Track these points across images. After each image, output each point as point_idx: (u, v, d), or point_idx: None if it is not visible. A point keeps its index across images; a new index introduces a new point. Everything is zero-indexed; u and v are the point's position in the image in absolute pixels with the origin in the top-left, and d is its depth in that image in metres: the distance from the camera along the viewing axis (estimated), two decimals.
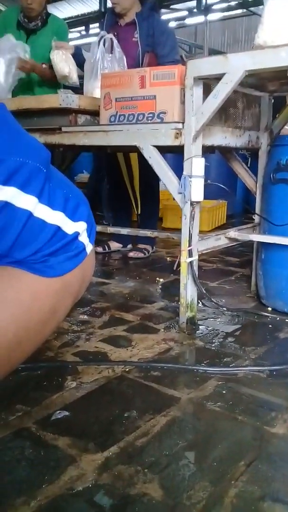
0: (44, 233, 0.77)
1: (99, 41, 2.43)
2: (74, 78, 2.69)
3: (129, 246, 3.40)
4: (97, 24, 11.65)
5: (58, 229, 0.78)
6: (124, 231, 2.42)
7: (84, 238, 0.84)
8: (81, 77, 2.68)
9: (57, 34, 2.94)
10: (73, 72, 2.68)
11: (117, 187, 3.32)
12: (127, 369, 1.52)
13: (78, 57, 2.79)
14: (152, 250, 3.29)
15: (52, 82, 2.95)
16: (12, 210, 0.73)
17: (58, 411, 1.26)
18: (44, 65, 2.94)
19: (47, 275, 0.78)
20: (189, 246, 1.82)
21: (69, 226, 0.80)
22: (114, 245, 3.39)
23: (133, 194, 3.32)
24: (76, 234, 0.82)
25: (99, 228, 2.38)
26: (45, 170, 0.77)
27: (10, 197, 0.72)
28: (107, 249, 3.37)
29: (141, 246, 3.25)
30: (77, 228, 0.82)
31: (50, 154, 0.80)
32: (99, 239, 3.27)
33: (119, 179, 3.28)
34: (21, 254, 0.76)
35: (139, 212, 3.35)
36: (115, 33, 2.58)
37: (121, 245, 3.41)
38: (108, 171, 3.37)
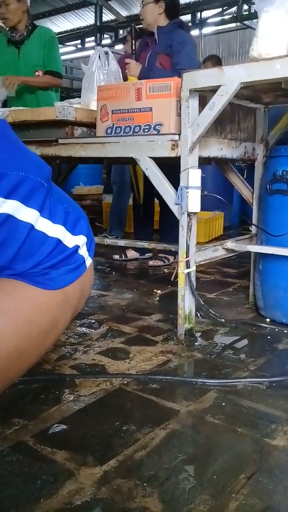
0: (45, 246, 0.78)
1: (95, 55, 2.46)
2: None
3: (147, 254, 3.39)
4: (92, 38, 11.74)
5: (59, 242, 0.79)
6: (122, 242, 2.42)
7: (83, 252, 0.85)
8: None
9: (45, 41, 3.18)
10: None
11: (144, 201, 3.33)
12: (125, 382, 1.51)
13: None
14: (174, 259, 3.22)
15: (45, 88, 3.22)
16: (14, 223, 0.73)
17: (56, 425, 1.25)
18: (37, 73, 3.19)
19: (48, 288, 0.78)
20: (186, 257, 1.82)
21: (70, 240, 0.81)
22: (131, 253, 3.38)
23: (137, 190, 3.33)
24: (76, 248, 0.82)
25: (96, 239, 2.37)
26: (46, 185, 0.78)
27: (13, 210, 0.72)
28: (123, 257, 3.36)
29: (161, 255, 3.24)
30: (77, 241, 0.83)
31: (51, 169, 0.82)
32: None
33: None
34: (23, 266, 0.77)
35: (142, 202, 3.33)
36: (146, 54, 2.73)
37: (138, 254, 3.40)
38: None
